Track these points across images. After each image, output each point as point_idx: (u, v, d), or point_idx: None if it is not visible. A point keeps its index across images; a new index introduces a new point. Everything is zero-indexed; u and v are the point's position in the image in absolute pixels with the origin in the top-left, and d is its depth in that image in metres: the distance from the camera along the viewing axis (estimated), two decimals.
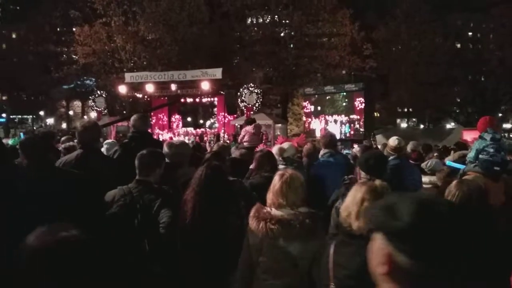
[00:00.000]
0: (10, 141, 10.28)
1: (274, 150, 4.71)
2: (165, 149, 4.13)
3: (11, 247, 1.93)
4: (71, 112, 51.46)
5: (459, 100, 43.19)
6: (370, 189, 2.31)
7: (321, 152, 4.91)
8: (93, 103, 23.74)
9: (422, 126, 41.56)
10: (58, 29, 43.86)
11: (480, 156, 4.75)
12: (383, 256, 1.05)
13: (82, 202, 2.86)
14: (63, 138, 6.36)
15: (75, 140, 7.24)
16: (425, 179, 4.99)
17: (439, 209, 1.02)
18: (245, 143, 8.95)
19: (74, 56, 31.57)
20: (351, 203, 2.30)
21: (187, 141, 20.51)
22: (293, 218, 2.55)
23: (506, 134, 37.84)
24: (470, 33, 45.79)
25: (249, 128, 9.29)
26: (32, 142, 3.00)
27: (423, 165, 5.34)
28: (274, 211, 2.62)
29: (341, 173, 4.26)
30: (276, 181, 2.72)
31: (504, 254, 2.49)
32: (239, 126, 22.24)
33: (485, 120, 5.07)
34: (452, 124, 42.18)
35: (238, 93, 20.20)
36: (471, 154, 4.84)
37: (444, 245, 0.98)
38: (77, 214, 2.81)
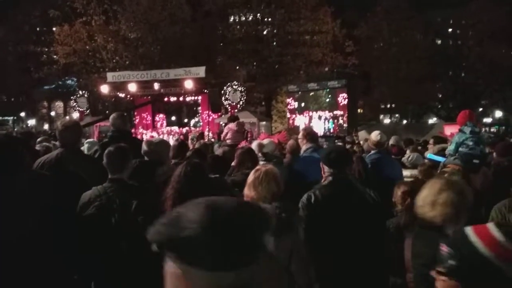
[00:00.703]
0: None
1: (254, 146, 4.70)
2: (144, 147, 4.09)
3: None
4: (53, 113, 50.67)
5: (440, 96, 43.79)
6: (448, 181, 2.42)
7: (304, 147, 4.91)
8: (75, 104, 23.42)
9: (404, 121, 42.01)
10: (38, 28, 43.07)
11: (460, 149, 4.83)
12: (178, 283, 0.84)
13: (56, 203, 2.82)
14: (39, 139, 6.25)
15: (54, 142, 7.15)
16: (406, 172, 5.05)
17: (226, 210, 0.86)
18: (228, 141, 8.94)
19: (55, 56, 31.05)
20: (427, 194, 2.37)
21: (171, 140, 20.44)
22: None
23: (487, 128, 38.46)
24: (450, 29, 46.39)
25: (232, 125, 9.29)
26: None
27: (404, 159, 5.40)
28: None
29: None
30: (250, 176, 2.77)
31: None
32: (223, 124, 22.21)
33: (465, 114, 5.16)
34: (434, 119, 42.75)
35: (222, 91, 20.15)
36: (451, 147, 4.93)
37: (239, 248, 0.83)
38: (51, 216, 2.78)
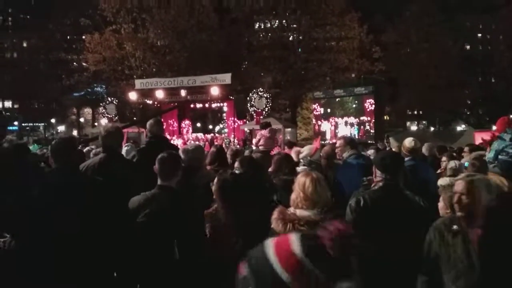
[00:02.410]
0: None
1: (292, 152, 4.71)
2: (181, 155, 4.15)
3: None
4: (81, 119, 51.87)
5: (469, 102, 42.87)
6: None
7: (346, 154, 4.90)
8: (103, 110, 23.89)
9: (432, 128, 41.27)
10: (69, 37, 44.25)
11: (500, 156, 4.73)
12: None
13: (105, 207, 2.91)
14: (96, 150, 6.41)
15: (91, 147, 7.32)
16: (445, 180, 4.93)
17: None
18: (260, 147, 8.99)
19: (85, 64, 31.82)
20: None
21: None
22: (320, 219, 2.55)
23: None
24: (479, 35, 45.49)
25: (265, 132, 9.35)
26: (60, 147, 3.07)
27: (448, 166, 5.28)
28: (300, 212, 2.63)
29: (365, 174, 4.24)
30: (305, 182, 2.72)
31: None
32: (248, 131, 22.27)
33: (504, 120, 5.05)
34: (463, 126, 41.85)
35: (247, 98, 20.23)
36: (490, 155, 4.82)
37: None
38: (102, 220, 2.88)
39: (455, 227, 2.55)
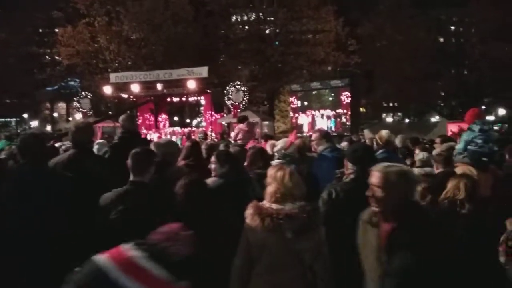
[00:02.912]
0: None
1: (267, 146, 4.73)
2: (153, 148, 4.10)
3: None
4: (55, 114, 50.76)
5: (443, 94, 43.69)
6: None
7: (322, 147, 4.94)
8: (78, 105, 23.46)
9: (407, 120, 41.96)
10: (41, 30, 43.12)
11: (469, 147, 4.83)
12: None
13: (74, 203, 2.86)
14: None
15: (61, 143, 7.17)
16: (415, 171, 5.04)
17: None
18: (239, 141, 9.01)
19: (58, 58, 31.10)
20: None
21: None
22: (298, 211, 2.56)
23: (490, 126, 38.29)
24: (452, 28, 46.31)
25: (243, 126, 9.38)
26: (27, 142, 3.01)
27: (417, 157, 5.39)
28: (277, 206, 2.62)
29: (340, 167, 4.28)
30: (283, 175, 2.71)
31: None
32: (226, 124, 22.22)
33: (473, 112, 5.17)
34: (437, 117, 42.66)
35: (225, 91, 20.16)
36: (460, 146, 4.93)
37: None
38: (71, 216, 2.82)
39: (374, 219, 2.47)
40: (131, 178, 3.13)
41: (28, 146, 2.95)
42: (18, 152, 3.03)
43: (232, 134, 10.78)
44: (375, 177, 2.41)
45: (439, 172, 4.55)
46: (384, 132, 5.37)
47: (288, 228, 2.51)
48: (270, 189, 2.72)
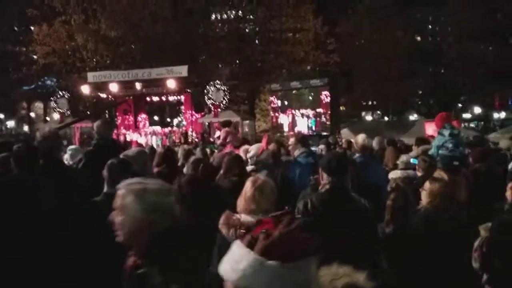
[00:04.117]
0: None
1: (240, 151, 4.74)
2: None
3: None
4: (32, 114, 49.76)
5: (420, 92, 44.41)
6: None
7: (297, 152, 4.97)
8: (55, 105, 23.06)
9: (386, 118, 42.51)
10: (16, 28, 42.16)
11: (440, 151, 4.93)
12: None
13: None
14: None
15: None
16: (397, 173, 5.10)
17: None
18: (229, 144, 9.08)
19: (34, 56, 30.45)
20: None
21: (154, 140, 20.24)
22: None
23: (466, 124, 39.13)
24: (429, 27, 47.10)
25: (231, 129, 9.45)
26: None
27: (400, 160, 5.44)
28: (244, 217, 2.64)
29: (314, 173, 4.31)
30: (248, 187, 2.74)
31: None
32: (207, 124, 22.13)
33: (442, 116, 5.26)
34: (415, 115, 43.35)
35: (205, 91, 20.07)
36: (432, 151, 5.02)
37: None
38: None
39: None
40: (105, 189, 3.10)
41: (24, 156, 2.94)
42: (13, 161, 3.00)
43: (217, 136, 10.74)
44: None
45: (421, 176, 4.61)
46: (360, 138, 5.42)
47: None
48: (238, 200, 2.76)
